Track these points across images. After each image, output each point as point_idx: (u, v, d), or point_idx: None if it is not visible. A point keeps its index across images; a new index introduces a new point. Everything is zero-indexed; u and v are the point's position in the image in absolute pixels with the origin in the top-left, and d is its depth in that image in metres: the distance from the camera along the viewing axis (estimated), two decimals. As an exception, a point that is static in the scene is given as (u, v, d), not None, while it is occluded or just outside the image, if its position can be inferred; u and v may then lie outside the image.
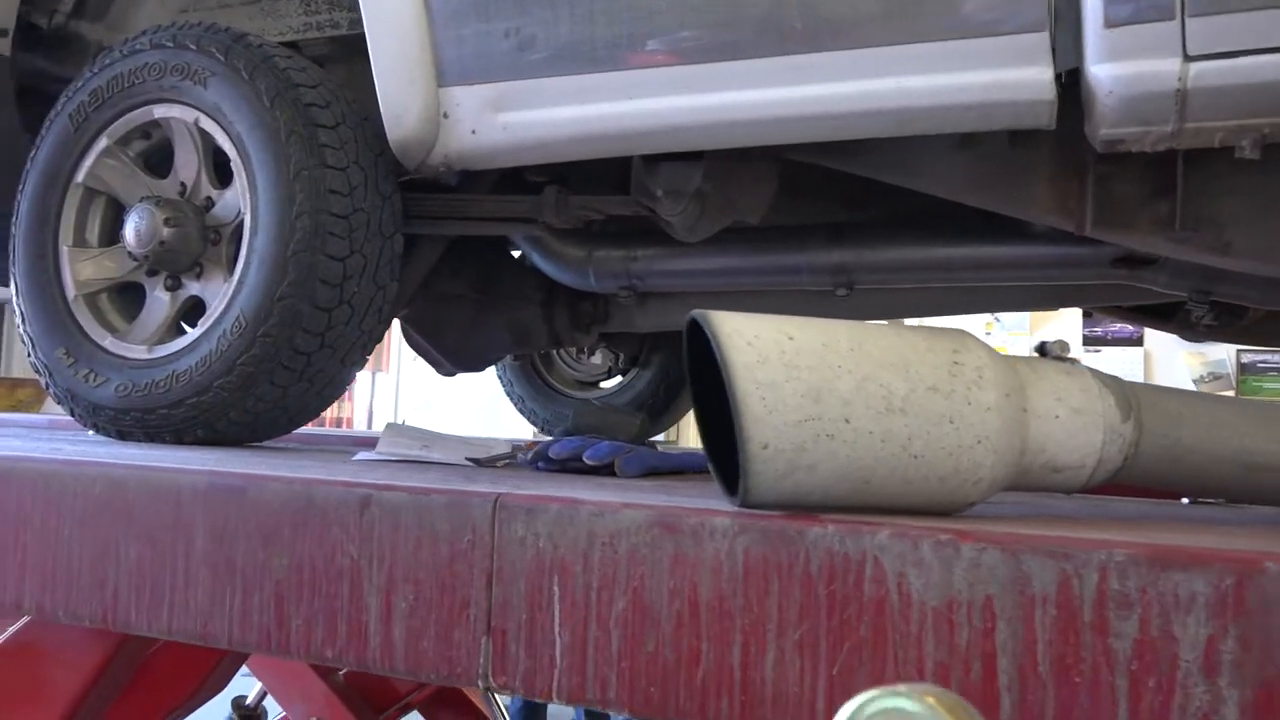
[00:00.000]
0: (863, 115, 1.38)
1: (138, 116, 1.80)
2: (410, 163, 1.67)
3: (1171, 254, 1.57)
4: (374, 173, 1.73)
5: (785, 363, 0.89)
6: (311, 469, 1.25)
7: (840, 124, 1.40)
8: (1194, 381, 6.18)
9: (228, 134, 1.71)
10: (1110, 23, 1.22)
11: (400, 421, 7.06)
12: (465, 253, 2.32)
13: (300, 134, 1.65)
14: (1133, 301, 2.11)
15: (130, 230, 1.75)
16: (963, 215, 2.03)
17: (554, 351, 3.41)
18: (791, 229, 2.01)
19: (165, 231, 1.73)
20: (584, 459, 1.37)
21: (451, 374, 2.72)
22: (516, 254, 2.59)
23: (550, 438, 1.92)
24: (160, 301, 1.81)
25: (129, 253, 1.78)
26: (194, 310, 1.83)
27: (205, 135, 1.76)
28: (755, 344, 0.89)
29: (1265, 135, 1.26)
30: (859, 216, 2.04)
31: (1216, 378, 6.12)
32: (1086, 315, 6.23)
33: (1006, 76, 1.30)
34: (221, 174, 1.80)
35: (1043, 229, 1.86)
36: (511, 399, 3.59)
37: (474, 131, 1.57)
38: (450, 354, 2.53)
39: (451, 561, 1.01)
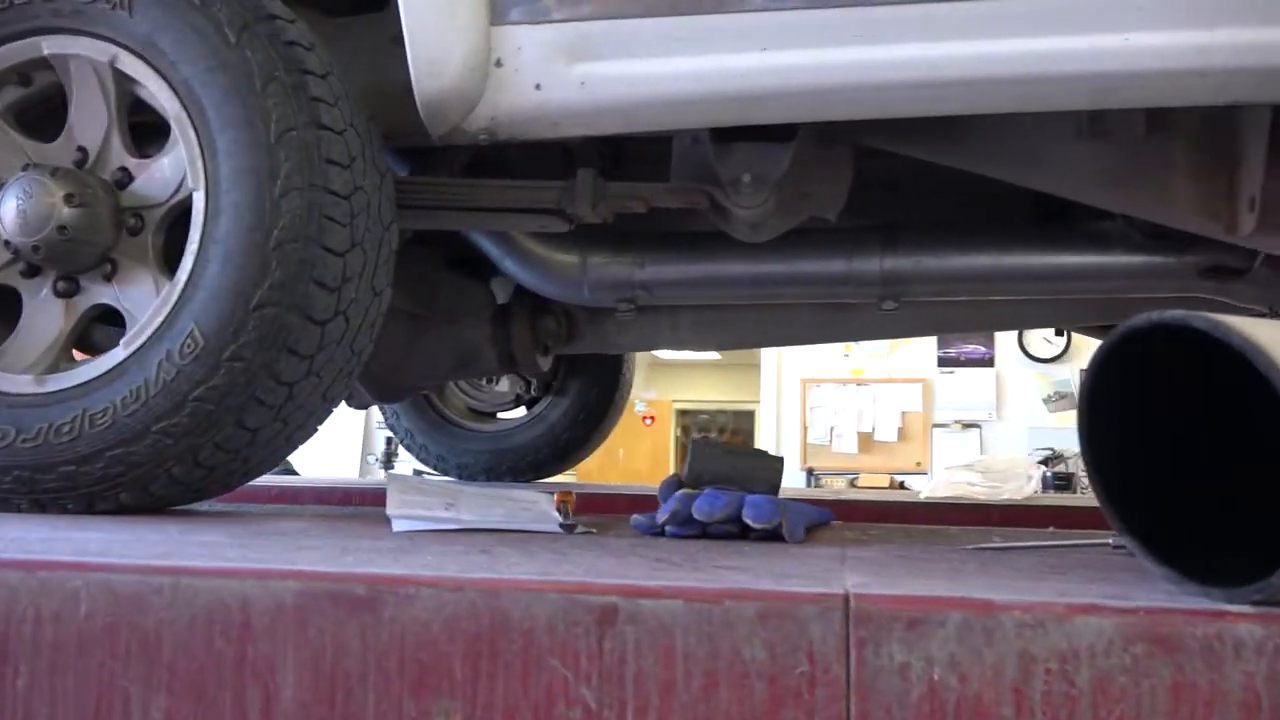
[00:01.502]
0: (1054, 81, 1.12)
1: (16, 52, 1.29)
2: (439, 126, 1.25)
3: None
4: (369, 141, 1.30)
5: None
6: (431, 554, 0.83)
7: (1026, 90, 1.12)
8: (1044, 401, 6.42)
9: (166, 79, 1.23)
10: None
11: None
12: (400, 258, 1.89)
13: (283, 81, 1.20)
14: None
15: (9, 212, 1.23)
16: (1014, 218, 1.84)
17: (447, 378, 2.96)
18: (833, 231, 1.72)
19: (66, 213, 1.23)
20: (746, 520, 1.02)
21: (365, 407, 2.26)
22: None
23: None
24: (48, 313, 1.29)
25: (4, 242, 1.25)
26: (91, 327, 1.33)
27: (124, 82, 1.27)
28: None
29: None
30: (900, 219, 1.79)
31: (1062, 396, 6.39)
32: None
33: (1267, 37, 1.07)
34: (141, 138, 1.31)
35: (1120, 236, 1.68)
36: (396, 433, 3.10)
37: (538, 86, 1.18)
38: (374, 381, 2.08)
39: (773, 709, 0.64)
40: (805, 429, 6.61)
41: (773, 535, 1.04)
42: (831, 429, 6.55)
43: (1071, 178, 1.44)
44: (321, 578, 0.70)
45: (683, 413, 12.49)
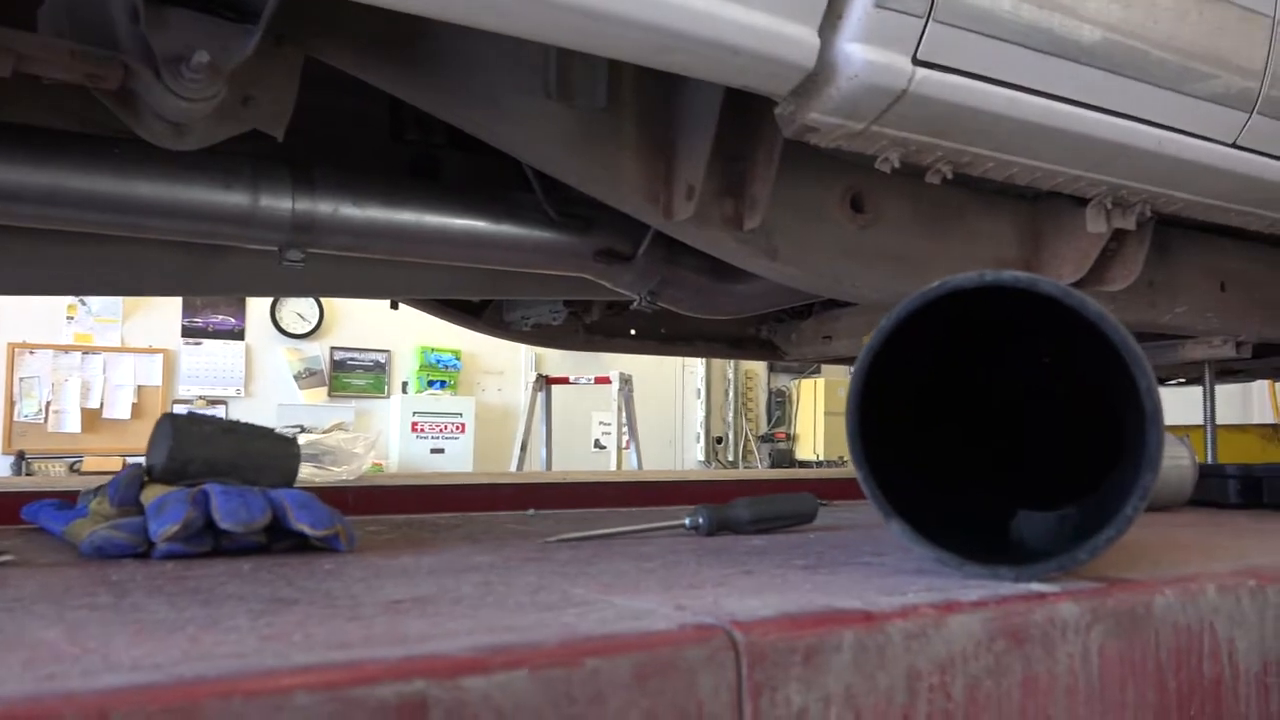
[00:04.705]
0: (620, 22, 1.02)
1: None
2: None
3: (730, 256, 1.54)
4: None
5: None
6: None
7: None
8: (294, 376, 6.16)
9: None
10: (881, 2, 1.14)
11: None
12: None
13: None
14: (584, 296, 2.03)
15: None
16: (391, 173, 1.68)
17: None
18: (234, 156, 1.38)
19: None
20: (300, 527, 0.71)
21: None
22: None
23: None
24: None
25: None
26: None
27: None
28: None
29: (914, 155, 1.33)
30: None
31: (313, 373, 6.21)
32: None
33: (781, 28, 1.10)
34: None
35: (534, 209, 1.66)
36: None
37: None
38: None
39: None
40: (12, 404, 5.44)
41: (306, 544, 0.75)
42: (48, 404, 5.50)
43: (535, 141, 1.36)
44: None
45: None
